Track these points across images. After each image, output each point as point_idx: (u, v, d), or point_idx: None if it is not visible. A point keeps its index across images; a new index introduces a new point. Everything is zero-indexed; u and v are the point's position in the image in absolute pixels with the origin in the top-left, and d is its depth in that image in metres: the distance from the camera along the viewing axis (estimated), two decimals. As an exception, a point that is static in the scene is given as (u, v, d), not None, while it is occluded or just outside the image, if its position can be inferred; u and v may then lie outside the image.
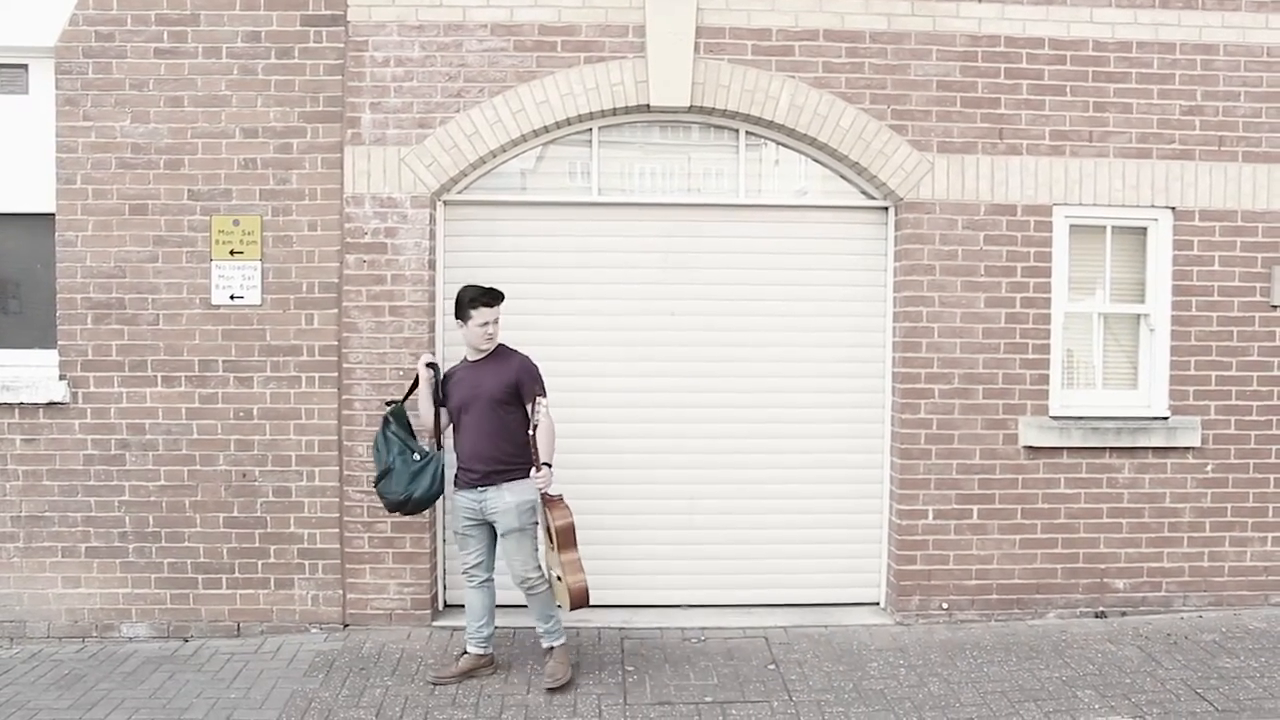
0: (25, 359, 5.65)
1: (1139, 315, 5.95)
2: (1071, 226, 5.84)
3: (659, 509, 5.90)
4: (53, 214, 5.51)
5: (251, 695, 4.81)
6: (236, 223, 5.51)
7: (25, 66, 5.62)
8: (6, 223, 5.67)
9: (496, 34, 5.58)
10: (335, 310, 5.56)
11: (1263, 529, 5.90)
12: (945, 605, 5.78)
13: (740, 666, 5.14)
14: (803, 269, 5.91)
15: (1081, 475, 5.80)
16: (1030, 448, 5.76)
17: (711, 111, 5.72)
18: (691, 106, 5.65)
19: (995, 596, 5.80)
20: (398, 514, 5.13)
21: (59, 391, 5.48)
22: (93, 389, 5.52)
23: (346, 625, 5.65)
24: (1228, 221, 5.83)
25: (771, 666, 5.14)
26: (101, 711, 4.64)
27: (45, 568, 5.55)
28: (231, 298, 5.52)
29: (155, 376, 5.53)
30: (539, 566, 4.93)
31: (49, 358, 5.60)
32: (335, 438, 5.57)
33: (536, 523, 4.94)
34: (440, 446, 5.05)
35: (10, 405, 5.50)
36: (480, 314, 4.85)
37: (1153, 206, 5.82)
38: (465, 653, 5.05)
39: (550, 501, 4.77)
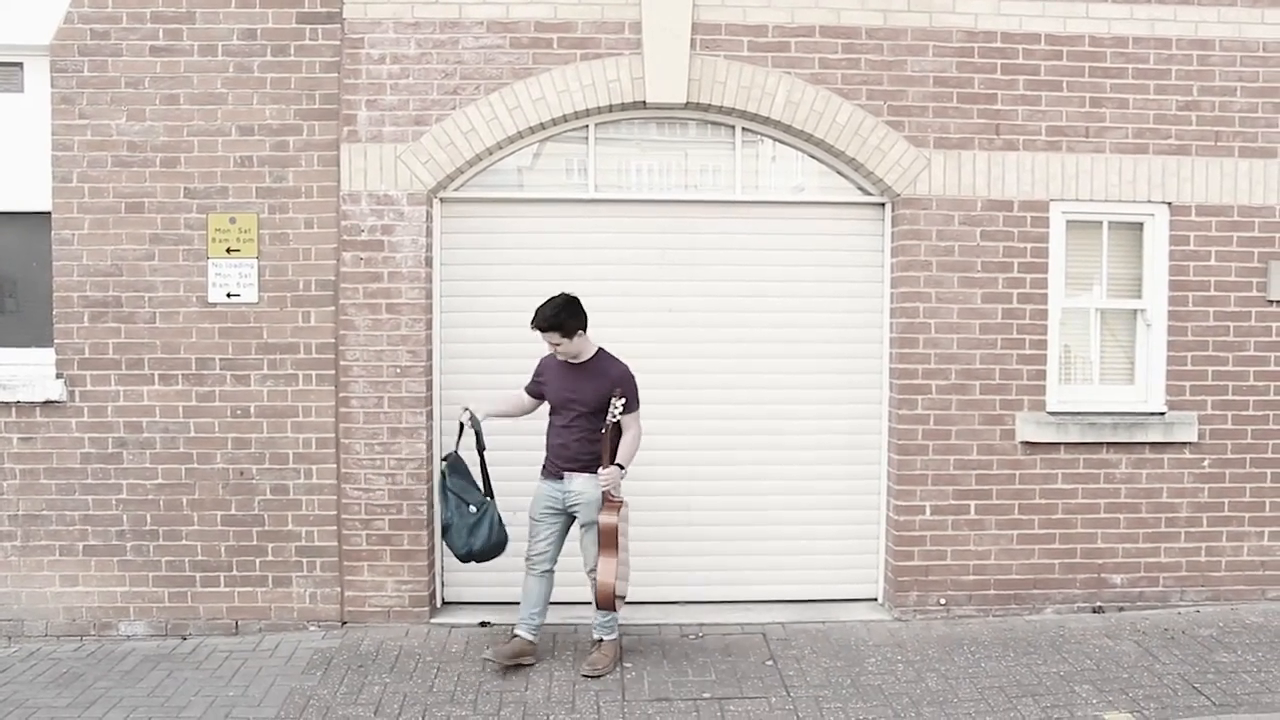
0: (22, 357, 5.64)
1: (1136, 310, 5.95)
2: (1068, 222, 5.84)
3: (656, 505, 5.90)
4: (49, 212, 5.50)
5: (250, 693, 4.81)
6: (233, 220, 5.50)
7: (20, 65, 5.61)
8: (2, 221, 5.66)
9: (493, 31, 5.58)
10: (332, 308, 5.56)
11: (1259, 524, 5.91)
12: (943, 601, 5.79)
13: (738, 663, 5.14)
14: (800, 265, 5.92)
15: (1079, 471, 5.80)
16: (1027, 443, 5.77)
17: (708, 108, 5.72)
18: (688, 103, 5.65)
19: (993, 592, 5.80)
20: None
21: (56, 390, 5.47)
22: (90, 387, 5.51)
23: (344, 623, 5.65)
24: (1224, 216, 5.83)
25: (769, 662, 5.15)
26: (100, 710, 4.64)
27: (43, 566, 5.55)
28: (228, 296, 5.52)
29: (152, 375, 5.52)
30: None
31: (46, 356, 5.59)
32: (332, 435, 5.57)
33: None
34: (491, 495, 5.12)
35: (7, 404, 5.49)
36: (548, 337, 4.91)
37: (1149, 202, 5.82)
38: (515, 635, 5.09)
39: (607, 501, 4.86)
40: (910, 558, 5.78)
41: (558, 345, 4.93)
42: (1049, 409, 5.80)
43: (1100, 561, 5.84)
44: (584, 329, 4.95)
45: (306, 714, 4.58)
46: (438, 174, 5.60)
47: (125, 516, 5.54)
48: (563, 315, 4.87)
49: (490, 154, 5.72)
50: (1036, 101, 5.73)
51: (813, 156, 5.89)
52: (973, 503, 5.78)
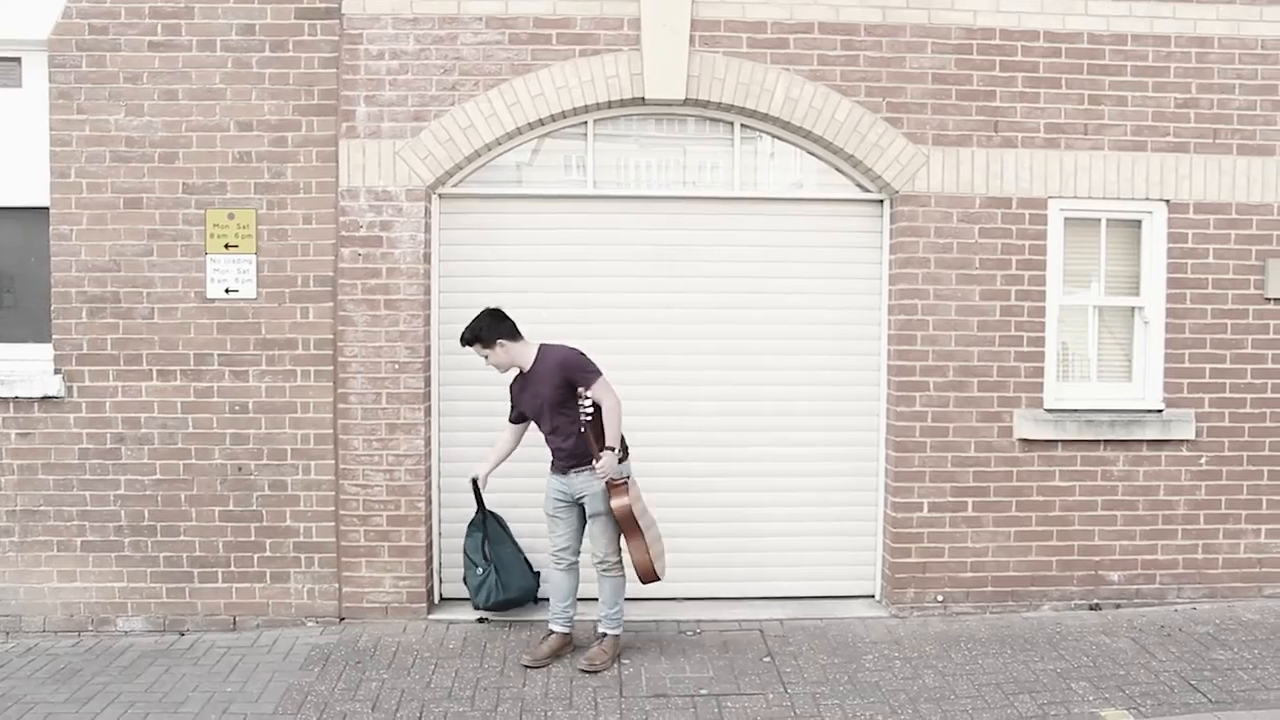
0: (20, 353, 5.63)
1: (1133, 308, 5.96)
2: (1066, 219, 5.85)
3: (654, 501, 5.84)
4: (47, 208, 5.50)
5: (248, 689, 4.81)
6: (231, 216, 5.50)
7: (18, 60, 5.60)
8: (0, 217, 5.65)
9: (491, 27, 5.57)
10: (330, 304, 5.55)
11: (1256, 521, 5.92)
12: (940, 598, 5.80)
13: (736, 659, 5.15)
14: (798, 262, 5.91)
15: (1076, 468, 5.81)
16: (1025, 440, 5.77)
17: (707, 104, 5.72)
18: (687, 99, 5.64)
19: (990, 589, 5.81)
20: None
21: (54, 386, 5.47)
22: (88, 383, 5.51)
23: (342, 619, 5.65)
24: (1222, 214, 5.83)
25: (767, 659, 5.16)
26: (98, 705, 4.64)
27: (41, 562, 5.54)
28: (226, 291, 5.52)
29: (150, 370, 5.52)
30: (619, 550, 5.03)
31: (44, 352, 5.59)
32: (331, 431, 5.57)
33: None
34: (489, 559, 5.48)
35: (5, 399, 5.48)
36: (476, 352, 5.01)
37: (1147, 199, 5.83)
38: (551, 633, 5.13)
39: (612, 487, 4.85)
40: (908, 555, 5.78)
41: (486, 358, 4.99)
42: (1047, 406, 5.80)
43: (1098, 559, 5.85)
44: (508, 337, 4.96)
45: (304, 710, 4.59)
46: (436, 170, 5.59)
47: (123, 512, 5.54)
48: (480, 327, 4.93)
49: (489, 150, 5.72)
50: (1035, 99, 5.73)
51: (811, 153, 5.89)
52: (970, 500, 5.78)
